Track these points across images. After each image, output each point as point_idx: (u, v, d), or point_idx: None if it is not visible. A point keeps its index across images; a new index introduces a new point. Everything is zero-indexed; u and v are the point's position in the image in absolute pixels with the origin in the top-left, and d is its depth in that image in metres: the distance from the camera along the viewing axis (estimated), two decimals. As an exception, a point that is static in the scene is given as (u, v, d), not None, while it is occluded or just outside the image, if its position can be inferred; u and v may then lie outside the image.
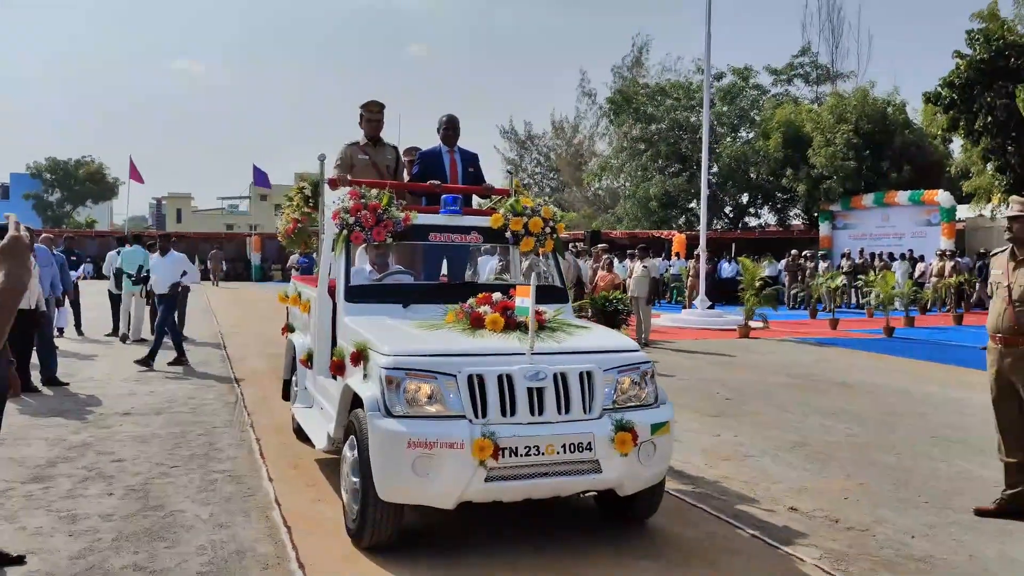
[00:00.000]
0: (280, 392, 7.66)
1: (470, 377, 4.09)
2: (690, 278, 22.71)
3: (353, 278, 5.38)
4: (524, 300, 4.41)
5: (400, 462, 3.95)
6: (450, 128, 6.68)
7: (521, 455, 4.00)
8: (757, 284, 17.14)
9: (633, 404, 4.39)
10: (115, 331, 14.14)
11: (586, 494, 4.65)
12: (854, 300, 24.50)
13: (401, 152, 7.14)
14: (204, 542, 4.43)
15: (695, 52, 19.67)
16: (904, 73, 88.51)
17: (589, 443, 4.12)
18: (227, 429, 7.21)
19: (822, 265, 24.30)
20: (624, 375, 4.41)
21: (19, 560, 4.08)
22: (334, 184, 5.95)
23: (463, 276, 6.73)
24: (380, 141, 6.88)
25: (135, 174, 36.36)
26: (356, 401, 4.43)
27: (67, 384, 9.22)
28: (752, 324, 16.87)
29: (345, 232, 5.30)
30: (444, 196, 5.81)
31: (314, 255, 20.78)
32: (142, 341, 13.87)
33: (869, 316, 20.87)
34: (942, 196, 26.58)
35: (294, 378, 6.89)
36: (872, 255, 26.04)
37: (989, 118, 19.51)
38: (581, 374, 4.24)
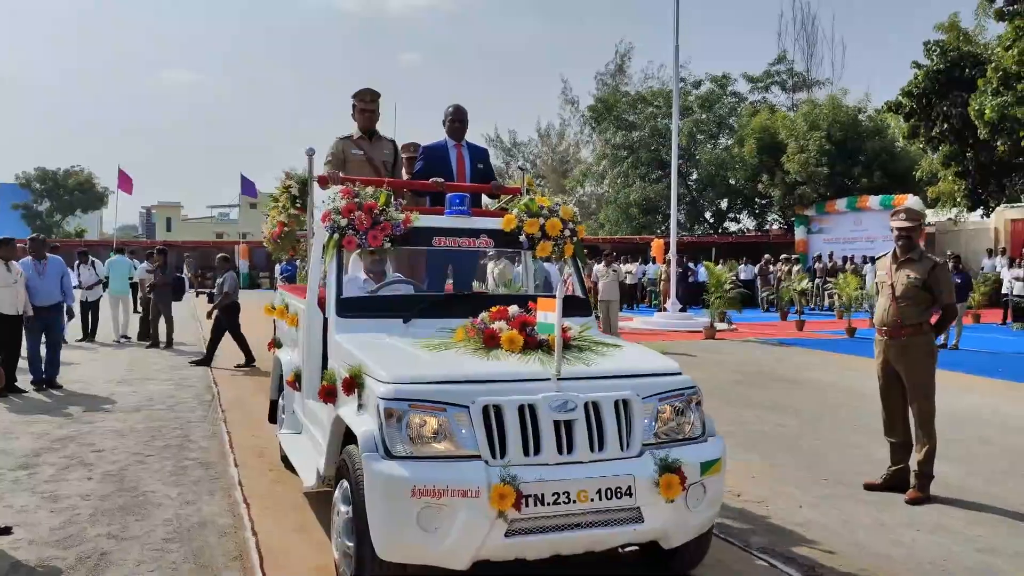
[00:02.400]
0: (251, 397, 8.17)
1: (485, 408, 3.46)
2: (662, 282, 23.36)
3: (346, 289, 4.75)
4: (548, 315, 3.77)
5: (403, 514, 3.34)
6: (457, 119, 6.05)
7: (548, 503, 3.38)
8: (727, 287, 17.86)
9: (678, 438, 3.78)
10: (85, 336, 14.92)
11: (626, 548, 3.96)
12: (826, 303, 25.21)
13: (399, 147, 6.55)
14: (171, 515, 5.01)
15: (680, 60, 20.41)
16: (878, 80, 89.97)
17: (629, 487, 3.49)
18: (201, 424, 7.78)
19: (795, 268, 24.98)
20: (666, 403, 3.78)
21: (6, 530, 4.64)
22: (324, 182, 5.37)
23: (470, 285, 6.01)
24: (376, 134, 6.26)
25: (124, 184, 36.85)
26: (349, 435, 3.79)
27: (61, 387, 9.72)
28: (719, 326, 17.54)
29: (336, 236, 4.64)
30: (450, 195, 5.17)
31: (298, 261, 21.00)
32: (127, 339, 14.86)
33: (839, 318, 21.53)
34: (912, 200, 27.32)
35: (281, 400, 6.22)
36: (844, 258, 26.78)
37: (946, 126, 20.25)
38: (616, 403, 3.62)
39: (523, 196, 5.39)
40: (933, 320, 5.61)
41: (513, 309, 4.15)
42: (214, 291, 12.80)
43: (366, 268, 5.24)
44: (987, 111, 17.84)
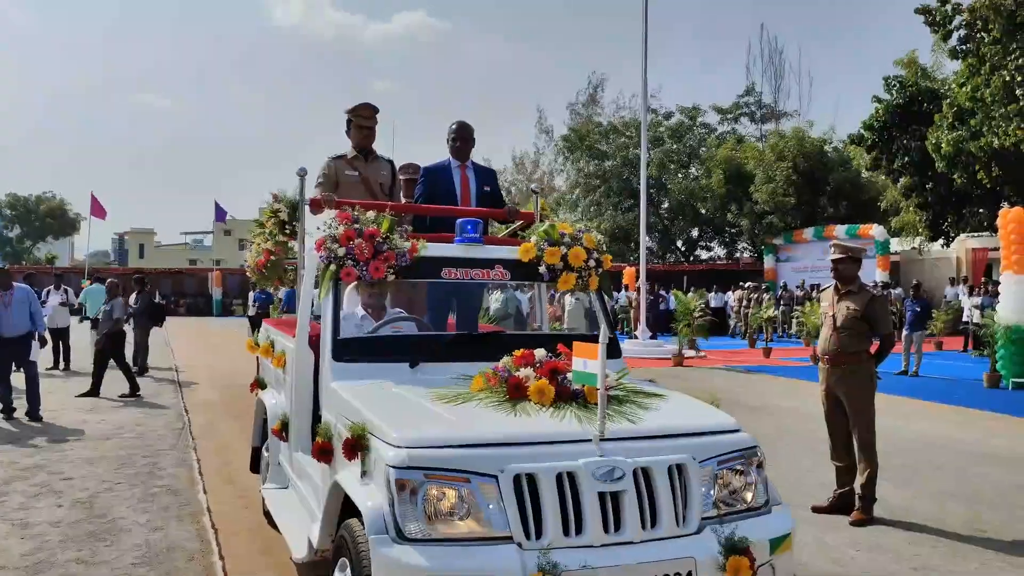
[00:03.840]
0: (221, 424, 8.25)
1: (517, 478, 2.91)
2: (633, 309, 23.73)
3: (343, 328, 4.19)
4: (588, 363, 3.20)
5: None
6: (461, 137, 5.47)
7: None
8: (696, 315, 18.25)
9: (740, 509, 3.25)
10: (56, 365, 14.89)
11: None
12: (793, 330, 25.67)
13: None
14: (140, 541, 5.14)
15: (650, 90, 21.00)
16: (844, 112, 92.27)
17: (689, 573, 2.95)
18: (171, 451, 7.89)
19: (765, 297, 25.45)
20: (725, 467, 3.25)
21: (-24, 557, 4.76)
22: (317, 205, 4.85)
23: (475, 321, 5.45)
24: (372, 153, 5.73)
25: (97, 210, 36.73)
26: (349, 503, 3.22)
27: (41, 419, 9.58)
28: (687, 353, 17.89)
29: (333, 267, 4.10)
30: (460, 221, 4.57)
31: (271, 289, 20.92)
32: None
33: (806, 345, 21.94)
34: (876, 230, 28.03)
35: (265, 449, 5.58)
36: (812, 287, 27.33)
37: (906, 159, 20.92)
38: (670, 468, 3.08)
39: (541, 222, 4.90)
40: (873, 349, 5.90)
41: (540, 353, 3.61)
42: (99, 317, 12.71)
43: (364, 302, 4.64)
44: (943, 145, 18.49)
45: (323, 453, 3.60)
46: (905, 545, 5.29)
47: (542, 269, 4.43)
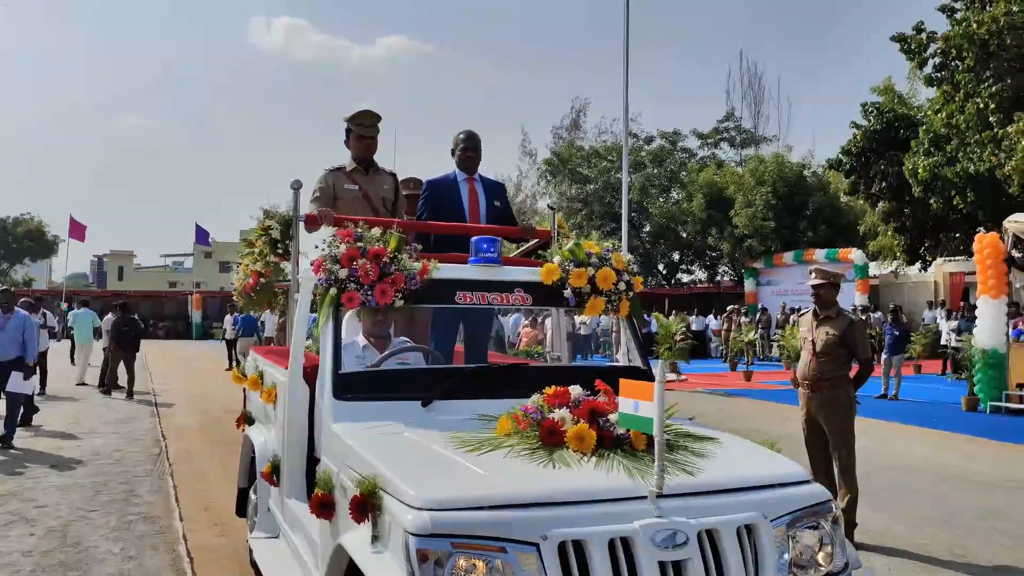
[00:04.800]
0: (198, 450, 8.15)
1: (562, 546, 2.43)
2: (614, 333, 23.77)
3: (345, 360, 3.69)
4: (642, 404, 2.65)
5: None
6: (469, 148, 5.02)
7: None
8: (678, 338, 18.32)
9: None
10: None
11: None
12: (774, 353, 25.81)
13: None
14: (113, 571, 5.06)
15: (631, 114, 21.10)
16: (823, 137, 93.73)
17: None
18: (147, 478, 7.78)
19: (743, 320, 25.60)
20: (799, 525, 2.79)
21: (-56, 588, 4.66)
22: (312, 222, 4.46)
23: (485, 349, 4.97)
24: (374, 166, 5.28)
25: (76, 232, 36.45)
26: (355, 569, 2.73)
27: (13, 446, 9.30)
28: (668, 376, 17.96)
29: (333, 291, 3.63)
30: (476, 239, 4.09)
31: (252, 313, 20.99)
32: (84, 385, 15.63)
33: (787, 368, 22.05)
34: (855, 254, 28.31)
35: (253, 492, 4.98)
36: (792, 310, 27.51)
37: (884, 184, 21.23)
38: (739, 530, 2.63)
39: (563, 241, 4.51)
40: (853, 373, 5.93)
41: (576, 391, 3.13)
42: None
43: (365, 331, 4.17)
44: (920, 171, 18.77)
45: (323, 508, 3.11)
46: (885, 570, 5.30)
47: (567, 293, 3.96)
